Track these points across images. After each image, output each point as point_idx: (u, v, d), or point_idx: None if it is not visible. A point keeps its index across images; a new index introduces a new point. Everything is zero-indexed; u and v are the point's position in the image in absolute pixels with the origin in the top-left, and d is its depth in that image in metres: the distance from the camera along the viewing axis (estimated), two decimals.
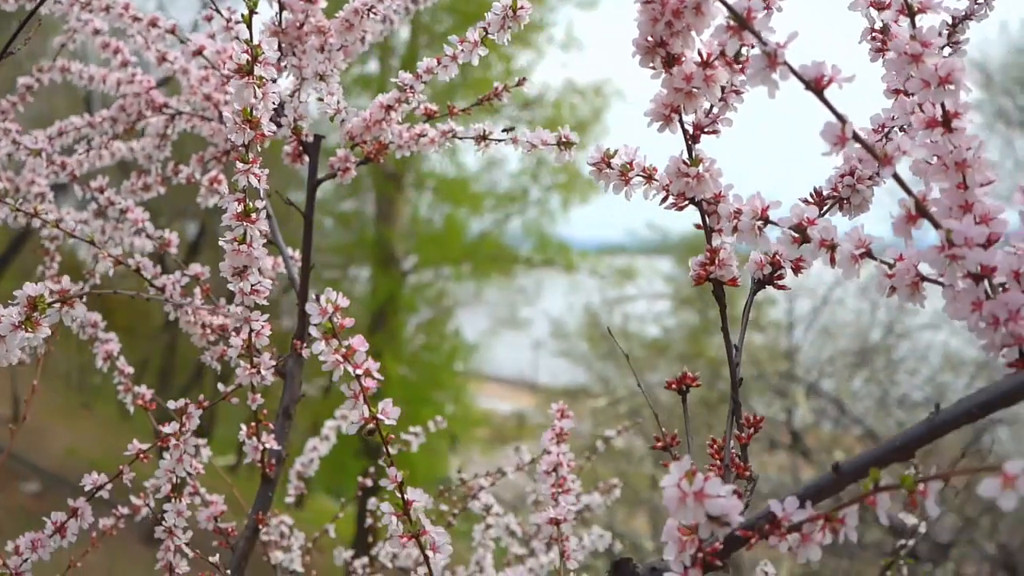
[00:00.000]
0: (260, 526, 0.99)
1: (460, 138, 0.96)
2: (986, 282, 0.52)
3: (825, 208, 0.68)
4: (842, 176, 0.68)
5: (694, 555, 0.53)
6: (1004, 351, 0.51)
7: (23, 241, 7.30)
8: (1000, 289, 0.52)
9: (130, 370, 1.09)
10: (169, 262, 1.11)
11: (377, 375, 0.62)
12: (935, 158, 0.54)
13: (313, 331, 0.61)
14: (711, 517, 0.50)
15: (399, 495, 0.64)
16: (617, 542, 1.40)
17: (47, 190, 1.28)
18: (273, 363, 0.90)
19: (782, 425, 6.44)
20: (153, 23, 1.09)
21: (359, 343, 0.62)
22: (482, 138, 0.94)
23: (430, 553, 0.64)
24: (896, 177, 0.51)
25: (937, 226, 0.51)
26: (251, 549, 1.00)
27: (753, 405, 6.97)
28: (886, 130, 0.68)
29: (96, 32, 1.19)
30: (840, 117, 0.50)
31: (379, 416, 0.62)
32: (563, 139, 0.84)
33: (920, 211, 0.51)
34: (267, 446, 0.96)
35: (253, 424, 0.95)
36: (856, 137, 0.50)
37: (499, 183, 11.62)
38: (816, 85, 0.50)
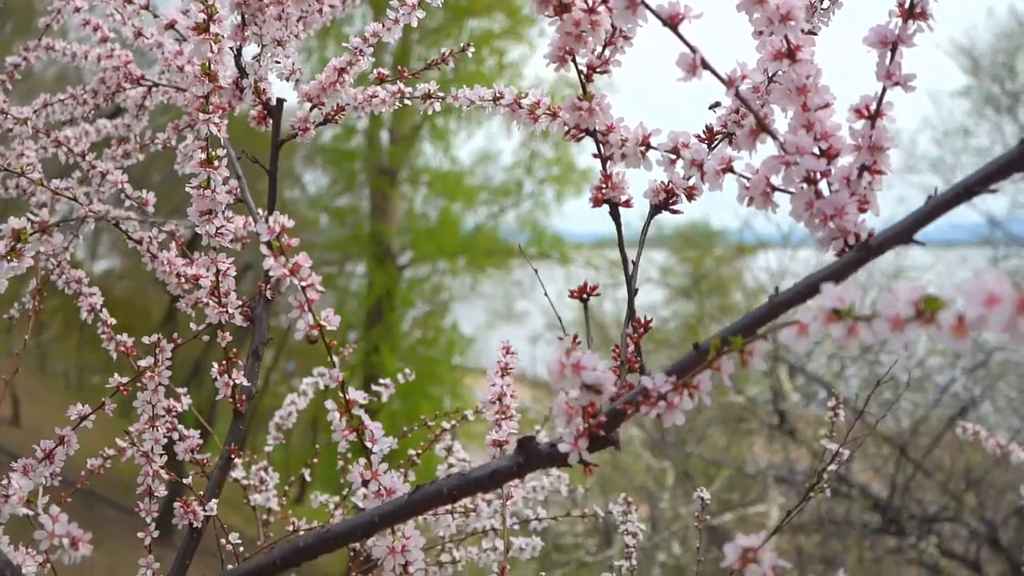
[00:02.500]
0: (233, 456, 1.08)
1: (408, 98, 1.05)
2: (826, 186, 0.62)
3: (716, 142, 0.77)
4: (730, 113, 0.77)
5: (581, 426, 0.63)
6: (833, 243, 0.60)
7: None
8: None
9: (112, 321, 1.18)
10: (147, 224, 1.20)
11: (320, 288, 0.71)
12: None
13: (263, 248, 0.70)
14: (587, 386, 0.59)
15: (341, 395, 0.74)
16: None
17: (35, 161, 1.37)
18: (239, 303, 0.99)
19: (771, 407, 6.56)
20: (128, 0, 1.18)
21: (304, 259, 0.71)
22: (427, 96, 1.03)
23: (369, 444, 0.74)
24: (739, 97, 0.60)
25: (775, 138, 0.60)
26: (224, 478, 1.09)
27: (747, 391, 7.09)
28: (770, 73, 0.78)
29: (77, 10, 1.28)
30: (692, 48, 0.60)
31: (322, 323, 0.72)
32: (497, 95, 0.93)
33: (761, 127, 0.61)
34: (237, 383, 1.06)
35: (224, 362, 1.05)
36: (704, 64, 0.59)
37: (493, 177, 11.72)
38: (672, 21, 0.59)
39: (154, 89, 1.29)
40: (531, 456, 0.66)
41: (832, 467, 1.14)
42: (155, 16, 1.19)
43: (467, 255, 11.34)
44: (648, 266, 10.42)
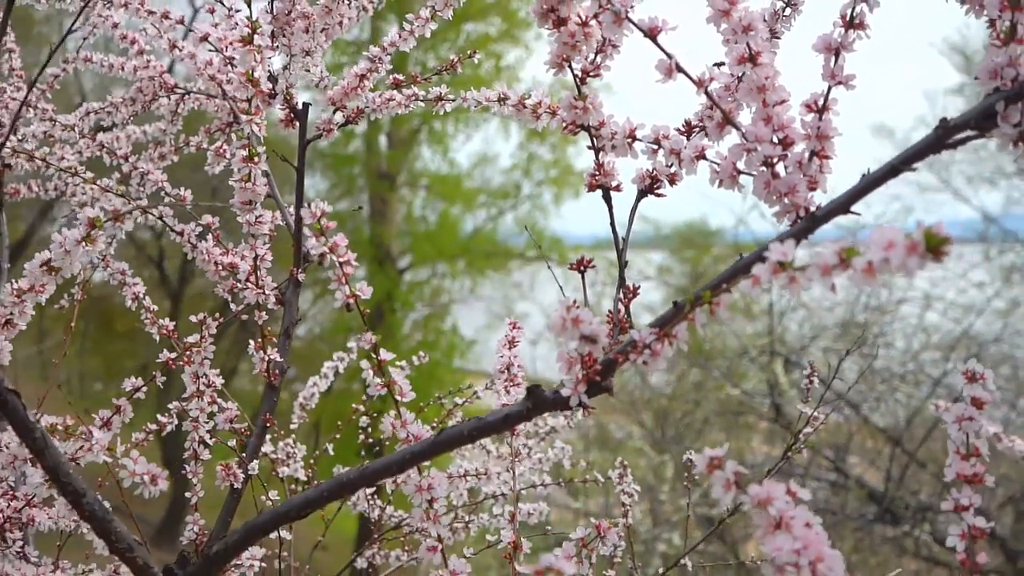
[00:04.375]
0: (268, 425, 1.20)
1: (422, 100, 1.17)
2: (782, 168, 0.74)
3: (693, 134, 0.89)
4: (704, 109, 0.89)
5: (580, 374, 0.75)
6: (787, 215, 0.72)
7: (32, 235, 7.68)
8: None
9: (155, 307, 1.30)
10: (185, 216, 1.32)
11: (354, 263, 0.83)
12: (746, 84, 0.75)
13: (307, 230, 0.82)
14: (584, 337, 0.71)
15: (374, 356, 0.86)
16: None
17: (76, 165, 1.49)
18: (275, 285, 1.11)
19: (767, 400, 6.69)
20: (165, 16, 1.30)
21: (341, 239, 0.83)
22: (439, 99, 1.15)
23: (398, 397, 0.86)
24: (708, 95, 0.72)
25: (738, 129, 0.72)
26: (261, 444, 1.21)
27: (744, 386, 7.22)
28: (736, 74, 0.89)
29: (115, 26, 1.40)
30: (668, 55, 0.72)
31: (357, 293, 0.84)
32: (502, 96, 1.05)
33: (726, 120, 0.73)
34: (272, 358, 1.18)
35: (260, 340, 1.17)
36: (679, 68, 0.71)
37: (491, 180, 11.85)
38: (651, 33, 0.72)
39: (187, 97, 1.41)
40: (538, 401, 0.78)
41: (808, 430, 1.26)
42: (190, 30, 1.31)
43: (466, 258, 11.45)
44: (646, 266, 10.53)
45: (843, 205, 0.68)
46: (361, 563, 1.57)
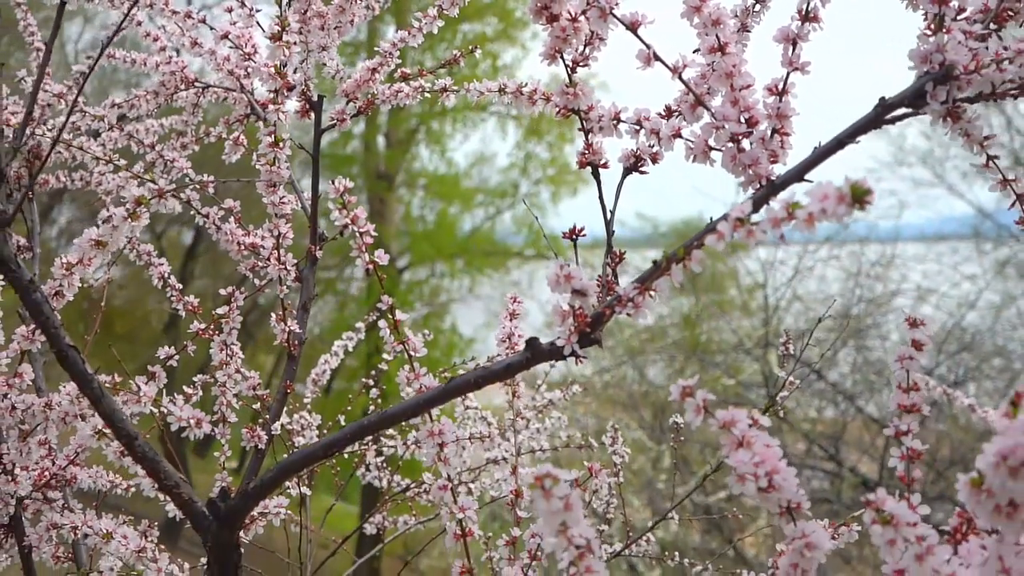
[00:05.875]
0: (288, 392, 1.30)
1: (428, 92, 1.28)
2: (747, 144, 0.85)
3: (672, 117, 1.00)
4: (682, 95, 0.99)
5: (573, 326, 0.85)
6: (751, 184, 0.83)
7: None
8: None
9: (179, 286, 1.40)
10: (205, 200, 1.43)
11: (373, 233, 0.94)
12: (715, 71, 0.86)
13: (330, 204, 0.92)
14: (576, 291, 0.82)
15: (391, 316, 0.96)
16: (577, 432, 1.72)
17: (100, 155, 1.59)
18: (295, 261, 1.22)
19: (763, 392, 6.81)
20: (188, 15, 1.40)
21: (361, 212, 0.94)
22: (444, 90, 1.26)
23: (412, 352, 0.96)
24: (682, 80, 0.83)
25: (708, 109, 0.83)
26: (282, 410, 1.31)
27: (739, 378, 7.35)
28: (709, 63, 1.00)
29: (139, 23, 1.50)
30: (647, 45, 0.82)
31: (376, 259, 0.94)
32: (502, 87, 1.15)
33: (698, 102, 0.83)
34: (291, 329, 1.28)
35: (280, 312, 1.27)
36: (656, 57, 0.82)
37: (489, 179, 11.96)
38: (633, 26, 0.82)
39: (206, 90, 1.52)
40: (536, 351, 0.89)
41: (784, 393, 1.36)
42: (211, 28, 1.41)
43: (465, 257, 11.55)
44: (644, 263, 10.63)
45: (798, 174, 0.79)
46: (369, 529, 1.68)
